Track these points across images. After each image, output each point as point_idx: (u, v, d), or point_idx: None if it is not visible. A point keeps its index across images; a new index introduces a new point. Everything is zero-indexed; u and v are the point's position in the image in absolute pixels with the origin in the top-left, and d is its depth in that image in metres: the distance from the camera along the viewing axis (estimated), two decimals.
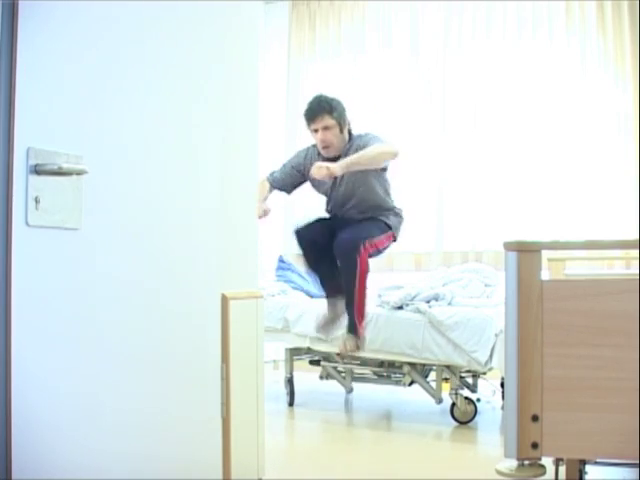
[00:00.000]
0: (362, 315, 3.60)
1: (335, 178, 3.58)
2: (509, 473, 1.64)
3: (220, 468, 2.02)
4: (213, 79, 2.03)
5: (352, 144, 3.63)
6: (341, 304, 3.62)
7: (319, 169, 3.39)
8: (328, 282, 3.70)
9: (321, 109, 3.55)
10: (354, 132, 3.71)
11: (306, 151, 3.82)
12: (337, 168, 3.39)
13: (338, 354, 4.10)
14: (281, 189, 3.87)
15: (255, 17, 2.25)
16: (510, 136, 5.13)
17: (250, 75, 2.22)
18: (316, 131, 3.59)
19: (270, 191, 3.84)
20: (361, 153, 3.48)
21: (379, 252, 3.71)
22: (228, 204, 2.09)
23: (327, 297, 3.73)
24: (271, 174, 3.88)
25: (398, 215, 3.79)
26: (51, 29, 1.52)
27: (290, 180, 3.84)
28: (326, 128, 3.55)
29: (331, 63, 5.80)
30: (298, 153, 3.88)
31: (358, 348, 3.57)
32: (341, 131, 3.60)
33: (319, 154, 3.69)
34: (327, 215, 3.83)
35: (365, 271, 3.52)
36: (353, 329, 3.59)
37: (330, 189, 3.74)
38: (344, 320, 3.62)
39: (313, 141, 3.75)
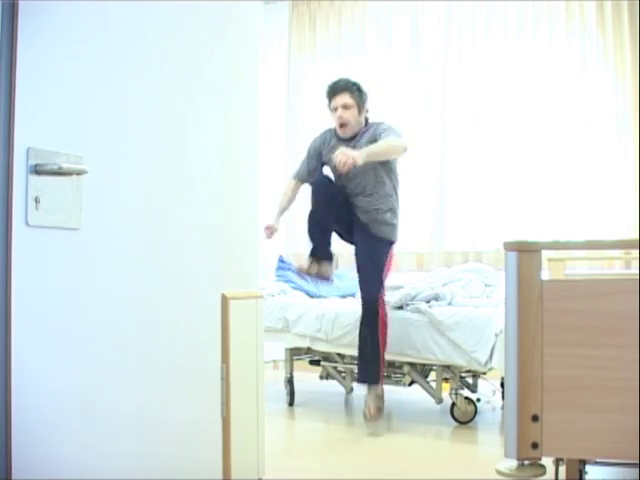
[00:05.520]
0: (384, 362, 3.65)
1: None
2: (509, 473, 1.64)
3: (220, 468, 2.01)
4: (213, 79, 2.03)
5: (368, 129, 3.70)
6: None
7: (343, 156, 3.36)
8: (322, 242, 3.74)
9: (342, 87, 3.68)
10: (370, 120, 3.77)
11: (322, 136, 3.86)
12: (359, 157, 3.40)
13: (338, 354, 4.11)
14: (311, 176, 3.87)
15: (255, 17, 2.25)
16: (510, 136, 5.13)
17: (250, 75, 2.22)
18: (335, 110, 3.68)
19: (298, 188, 3.94)
20: (380, 143, 3.54)
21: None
22: (228, 204, 2.09)
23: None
24: (296, 172, 3.95)
25: (395, 218, 3.79)
26: (51, 29, 1.52)
27: (315, 166, 3.85)
28: (345, 107, 3.65)
29: (331, 63, 5.80)
30: (314, 139, 3.89)
31: (381, 410, 3.59)
32: (359, 113, 3.68)
33: (336, 136, 3.75)
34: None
35: (385, 320, 3.65)
36: (373, 378, 3.62)
37: (345, 174, 3.71)
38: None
39: (317, 134, 3.87)
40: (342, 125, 3.68)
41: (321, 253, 3.73)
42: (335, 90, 3.68)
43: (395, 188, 3.78)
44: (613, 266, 4.70)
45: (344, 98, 3.65)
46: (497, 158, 5.17)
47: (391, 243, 3.78)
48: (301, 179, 3.93)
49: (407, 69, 5.51)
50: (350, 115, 3.66)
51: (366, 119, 3.76)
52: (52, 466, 1.49)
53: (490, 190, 5.17)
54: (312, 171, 3.87)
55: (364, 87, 3.73)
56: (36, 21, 1.47)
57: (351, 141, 3.69)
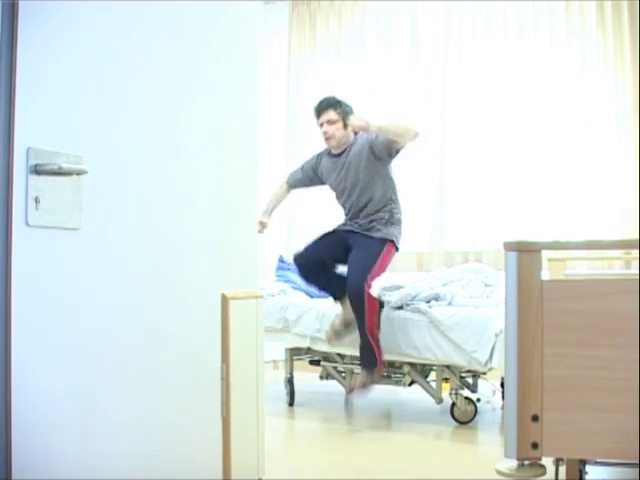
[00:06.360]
0: (379, 347, 3.66)
1: (342, 171, 3.84)
2: (509, 473, 1.64)
3: (220, 468, 2.02)
4: (213, 79, 2.03)
5: (357, 140, 3.86)
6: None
7: (357, 120, 3.67)
8: (334, 284, 3.82)
9: (326, 104, 3.89)
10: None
11: (318, 156, 4.09)
12: (372, 126, 3.65)
13: (338, 354, 4.11)
14: (300, 186, 4.21)
15: (255, 17, 2.25)
16: (510, 136, 5.13)
17: (250, 75, 2.22)
18: (322, 125, 3.89)
19: (288, 192, 4.25)
20: (392, 122, 3.80)
21: (384, 270, 3.80)
22: (228, 204, 2.09)
23: (338, 299, 3.82)
24: (290, 176, 4.24)
25: (399, 222, 3.86)
26: (51, 29, 1.52)
27: (307, 179, 4.15)
28: (329, 122, 3.86)
29: (331, 63, 5.80)
30: (312, 156, 4.14)
31: (373, 384, 3.61)
32: (345, 127, 3.85)
33: (328, 154, 3.99)
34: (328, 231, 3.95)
35: (373, 305, 3.66)
36: (369, 363, 3.63)
37: (338, 181, 3.90)
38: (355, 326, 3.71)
39: (317, 145, 4.06)
40: (327, 139, 3.88)
41: (340, 293, 3.79)
42: (320, 108, 3.90)
43: (395, 195, 3.87)
44: (613, 266, 4.70)
45: (329, 114, 3.85)
46: (497, 158, 5.17)
47: (386, 241, 3.79)
48: (291, 186, 4.21)
49: (407, 69, 5.50)
50: (335, 129, 3.84)
51: (355, 133, 3.89)
52: (52, 466, 1.49)
53: (490, 190, 5.17)
54: (302, 183, 4.17)
55: (349, 104, 3.91)
56: (36, 21, 1.47)
57: (341, 156, 3.87)
